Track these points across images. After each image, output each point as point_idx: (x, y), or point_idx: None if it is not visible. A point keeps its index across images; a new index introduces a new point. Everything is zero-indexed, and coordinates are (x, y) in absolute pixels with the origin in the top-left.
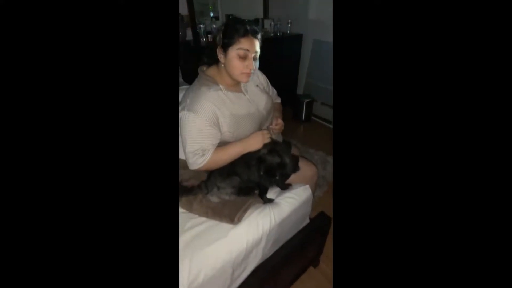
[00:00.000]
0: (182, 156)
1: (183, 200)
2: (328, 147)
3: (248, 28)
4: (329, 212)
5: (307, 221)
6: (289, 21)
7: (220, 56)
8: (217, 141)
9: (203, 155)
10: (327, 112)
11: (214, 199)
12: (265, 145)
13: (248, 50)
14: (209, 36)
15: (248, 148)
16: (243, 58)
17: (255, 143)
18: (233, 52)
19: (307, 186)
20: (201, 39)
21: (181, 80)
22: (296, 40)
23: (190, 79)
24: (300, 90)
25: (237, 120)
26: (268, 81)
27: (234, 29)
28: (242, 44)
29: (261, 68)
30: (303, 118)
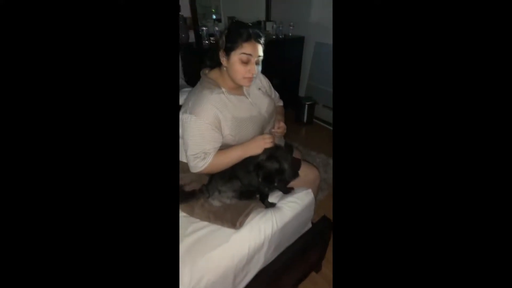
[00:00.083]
0: (183, 158)
1: (184, 204)
2: (329, 150)
3: (251, 32)
4: (331, 216)
5: (309, 225)
6: (291, 23)
7: (223, 60)
8: (219, 145)
9: (204, 158)
10: (329, 115)
11: (215, 203)
12: (264, 150)
13: (250, 55)
14: (211, 38)
15: (249, 152)
16: (246, 62)
17: (256, 147)
18: (236, 56)
19: (310, 190)
20: (204, 42)
21: (183, 82)
22: (298, 42)
23: (193, 81)
24: (302, 93)
25: (239, 123)
26: (270, 84)
27: (237, 33)
28: (245, 48)
29: (263, 70)
30: (305, 120)
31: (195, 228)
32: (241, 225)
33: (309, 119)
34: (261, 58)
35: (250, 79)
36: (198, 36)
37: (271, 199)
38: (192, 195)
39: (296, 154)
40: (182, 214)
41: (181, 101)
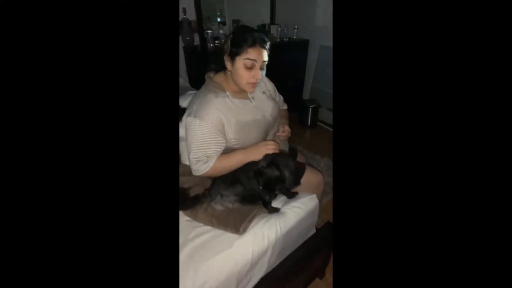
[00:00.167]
0: (187, 161)
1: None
2: None
3: (257, 38)
4: None
5: (313, 231)
6: (296, 26)
7: (227, 64)
8: (222, 149)
9: (207, 161)
10: None
11: (218, 206)
12: (265, 157)
13: (255, 60)
14: (216, 41)
15: (251, 157)
16: (250, 68)
17: (259, 153)
18: (240, 61)
19: (314, 195)
20: (208, 45)
21: (187, 85)
22: (302, 45)
23: (197, 84)
24: (306, 96)
25: (243, 127)
26: (275, 87)
27: (242, 38)
28: (250, 54)
29: (267, 73)
30: (309, 123)
31: (198, 232)
32: (244, 230)
33: (313, 122)
34: (265, 63)
35: (254, 85)
36: (203, 39)
37: (275, 204)
38: (196, 200)
39: (300, 158)
40: (185, 218)
41: (185, 104)
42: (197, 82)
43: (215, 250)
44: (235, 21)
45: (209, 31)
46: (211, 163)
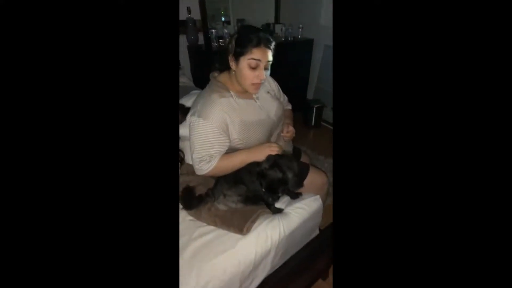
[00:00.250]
0: (190, 161)
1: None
2: None
3: (262, 38)
4: None
5: (317, 232)
6: (300, 26)
7: (232, 64)
8: (225, 149)
9: (210, 161)
10: None
11: (221, 206)
12: (268, 158)
13: (259, 60)
14: (220, 41)
15: (253, 157)
16: (254, 68)
17: (260, 153)
18: (245, 61)
19: (318, 196)
20: (213, 44)
21: (191, 84)
22: (307, 45)
23: (201, 83)
24: (310, 95)
25: (247, 127)
26: (279, 87)
27: (247, 38)
28: (254, 54)
29: (271, 73)
30: (313, 123)
31: (202, 232)
32: (248, 230)
33: (317, 122)
34: (270, 63)
35: (258, 86)
36: (207, 39)
37: (278, 204)
38: (201, 200)
39: (304, 159)
40: (188, 218)
41: (189, 103)
42: (201, 82)
43: (219, 250)
44: (239, 20)
45: (213, 31)
46: (213, 163)
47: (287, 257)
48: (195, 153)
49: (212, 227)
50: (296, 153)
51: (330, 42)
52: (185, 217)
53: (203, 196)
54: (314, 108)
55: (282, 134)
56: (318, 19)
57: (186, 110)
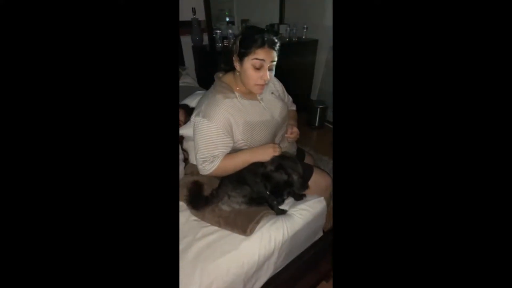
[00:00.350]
0: (194, 161)
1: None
2: None
3: (266, 39)
4: None
5: (321, 233)
6: (305, 26)
7: (236, 65)
8: (228, 150)
9: (212, 161)
10: None
11: (225, 207)
12: (272, 160)
13: (263, 60)
14: (225, 41)
15: (257, 158)
16: (258, 68)
17: (264, 154)
18: (249, 62)
19: (322, 198)
20: (217, 45)
21: (196, 85)
22: (311, 45)
23: (206, 83)
24: (314, 96)
25: (251, 128)
26: (284, 88)
27: (251, 39)
28: (258, 54)
29: (275, 73)
30: (317, 124)
31: (205, 232)
32: (251, 232)
33: (321, 123)
34: (274, 63)
35: (262, 87)
36: (212, 39)
37: (282, 206)
38: (207, 201)
39: (308, 160)
40: (192, 218)
41: (193, 104)
42: (205, 82)
43: (222, 250)
44: (244, 21)
45: (218, 31)
46: (216, 163)
47: (291, 258)
48: (199, 153)
49: (215, 228)
50: (300, 154)
51: None
52: (189, 218)
53: (209, 197)
54: (318, 109)
55: (286, 135)
56: (323, 20)
57: (190, 111)
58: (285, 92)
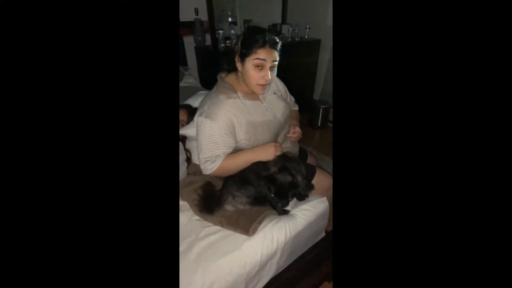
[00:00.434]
0: (197, 161)
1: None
2: None
3: (267, 39)
4: None
5: (323, 234)
6: (308, 26)
7: (238, 65)
8: (230, 150)
9: (214, 161)
10: None
11: (229, 207)
12: (276, 162)
13: (264, 59)
14: (227, 41)
15: (258, 157)
16: (260, 68)
17: (266, 153)
18: (250, 62)
19: (324, 198)
20: (220, 45)
21: (198, 85)
22: (314, 45)
23: (208, 84)
24: (316, 96)
25: (254, 128)
26: (286, 88)
27: (253, 39)
28: (259, 54)
29: (278, 73)
30: (319, 124)
31: (208, 232)
32: (254, 231)
33: (323, 123)
34: (276, 63)
35: (264, 87)
36: (215, 40)
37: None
38: (218, 203)
39: (310, 160)
40: (195, 218)
41: (196, 104)
42: (208, 82)
43: (224, 250)
44: (246, 21)
45: (220, 31)
46: (218, 163)
47: (293, 258)
48: (201, 153)
49: (218, 228)
50: (302, 154)
51: None
52: (191, 217)
53: (220, 198)
54: (321, 109)
55: (288, 135)
56: (325, 20)
57: (193, 111)
58: (288, 92)
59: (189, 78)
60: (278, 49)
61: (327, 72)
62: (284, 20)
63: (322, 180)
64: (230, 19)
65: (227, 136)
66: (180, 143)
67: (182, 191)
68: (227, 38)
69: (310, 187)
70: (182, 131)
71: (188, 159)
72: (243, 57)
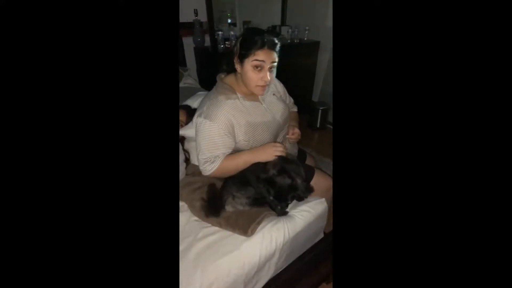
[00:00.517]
0: (195, 161)
1: (196, 209)
2: None
3: (266, 40)
4: None
5: (322, 235)
6: (307, 28)
7: (237, 67)
8: (230, 150)
9: (213, 161)
10: None
11: (228, 208)
12: (274, 164)
13: (263, 61)
14: (226, 42)
15: (258, 158)
16: (259, 69)
17: (265, 153)
18: (249, 64)
19: (323, 199)
20: (219, 46)
21: (197, 86)
22: (313, 47)
23: (207, 84)
24: (315, 98)
25: (253, 129)
26: (285, 89)
27: (252, 41)
28: (258, 56)
29: (277, 74)
30: (318, 125)
31: (206, 233)
32: (252, 232)
33: (322, 125)
34: (275, 64)
35: (263, 88)
36: (214, 41)
37: None
38: (221, 203)
39: (309, 161)
40: (193, 218)
41: (195, 105)
42: (207, 83)
43: (223, 251)
44: (245, 22)
45: (220, 32)
46: (217, 163)
47: (292, 259)
48: (200, 154)
49: (216, 228)
50: (301, 155)
51: None
52: (189, 218)
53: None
54: (320, 110)
55: (287, 136)
56: (325, 21)
57: (192, 111)
58: (287, 94)
59: (188, 79)
60: (277, 50)
61: (326, 74)
62: (283, 22)
63: (321, 181)
64: (229, 20)
65: (226, 136)
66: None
67: (181, 191)
68: (226, 39)
69: (310, 190)
70: (181, 132)
71: (187, 160)
72: (242, 59)
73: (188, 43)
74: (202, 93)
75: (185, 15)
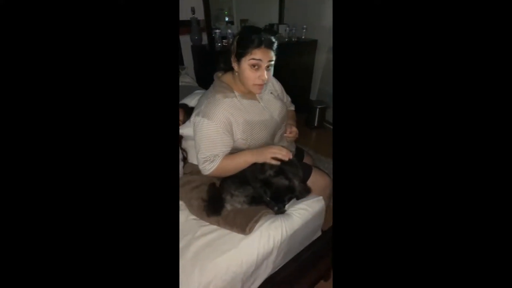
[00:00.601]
0: (193, 160)
1: (194, 207)
2: None
3: (263, 39)
4: None
5: (319, 233)
6: (304, 26)
7: (234, 65)
8: (229, 149)
9: (213, 161)
10: None
11: (227, 206)
12: (272, 165)
13: (260, 60)
14: (224, 41)
15: (257, 158)
16: (256, 68)
17: (265, 154)
18: (246, 62)
19: (320, 197)
20: (216, 44)
21: (195, 84)
22: (311, 46)
23: (205, 83)
24: (313, 96)
25: (251, 128)
26: (283, 88)
27: (249, 39)
28: (255, 54)
29: (274, 73)
30: (316, 124)
31: (204, 231)
32: (250, 230)
33: (320, 123)
34: (272, 63)
35: (261, 86)
36: (211, 39)
37: None
38: (222, 205)
39: (307, 160)
40: (191, 217)
41: (193, 103)
42: (205, 82)
43: (221, 249)
44: (243, 21)
45: (217, 31)
46: (216, 163)
47: (289, 257)
48: (199, 153)
49: (214, 227)
50: (299, 153)
51: None
52: (188, 216)
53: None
54: (317, 109)
55: (285, 135)
56: (323, 20)
57: (189, 110)
58: (284, 92)
59: (186, 77)
60: (274, 49)
61: (324, 72)
62: (281, 20)
63: (319, 179)
64: (227, 19)
65: (224, 135)
66: None
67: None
68: (223, 37)
69: (307, 191)
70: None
71: (184, 159)
72: (239, 57)
73: (185, 41)
74: (200, 91)
75: (182, 13)
